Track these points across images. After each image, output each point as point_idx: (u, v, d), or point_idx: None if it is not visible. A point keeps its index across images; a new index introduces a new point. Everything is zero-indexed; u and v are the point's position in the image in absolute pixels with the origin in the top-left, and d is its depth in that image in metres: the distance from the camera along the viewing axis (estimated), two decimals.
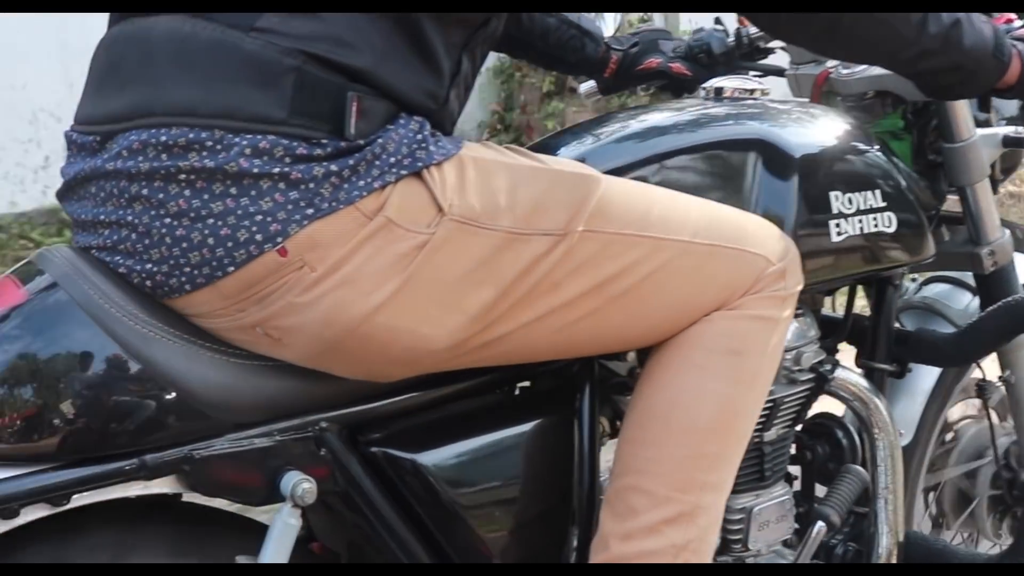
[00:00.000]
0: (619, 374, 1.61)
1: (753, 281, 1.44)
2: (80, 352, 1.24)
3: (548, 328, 1.36)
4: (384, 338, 1.27)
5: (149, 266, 1.24)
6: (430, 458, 1.43)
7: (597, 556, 1.42)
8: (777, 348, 1.48)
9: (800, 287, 1.50)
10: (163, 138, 1.21)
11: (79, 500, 1.27)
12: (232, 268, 1.22)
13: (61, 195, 1.33)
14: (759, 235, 1.48)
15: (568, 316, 1.36)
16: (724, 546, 1.75)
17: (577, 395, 1.56)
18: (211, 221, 1.20)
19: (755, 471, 1.75)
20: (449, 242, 1.27)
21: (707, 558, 1.45)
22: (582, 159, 1.54)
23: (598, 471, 1.54)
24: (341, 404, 1.37)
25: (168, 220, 1.21)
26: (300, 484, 1.31)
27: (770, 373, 1.48)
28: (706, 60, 2.10)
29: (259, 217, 1.20)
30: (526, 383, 1.59)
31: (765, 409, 1.72)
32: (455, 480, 1.44)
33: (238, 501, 1.34)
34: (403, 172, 1.25)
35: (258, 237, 1.21)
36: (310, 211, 1.21)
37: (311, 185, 1.21)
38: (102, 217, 1.26)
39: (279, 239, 1.21)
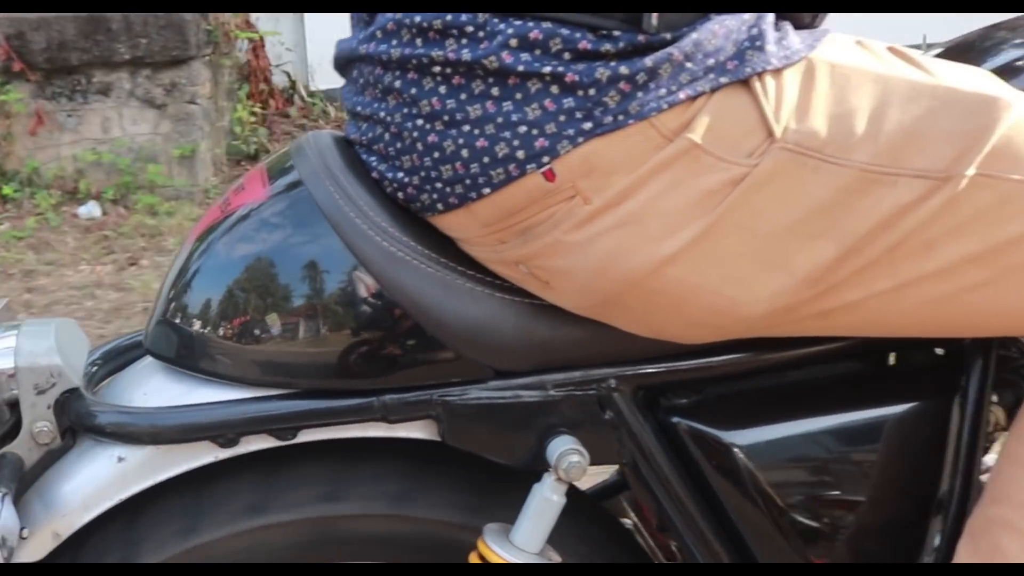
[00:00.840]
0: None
1: None
2: (316, 265, 1.05)
3: (913, 300, 1.02)
4: (677, 296, 0.98)
5: (401, 175, 1.01)
6: (759, 441, 1.13)
7: None
8: None
9: None
10: (417, 19, 0.96)
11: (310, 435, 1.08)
12: (488, 190, 0.97)
13: (338, 70, 1.12)
14: None
15: (943, 287, 1.01)
16: None
17: (964, 376, 1.20)
18: (466, 128, 0.95)
19: None
20: (777, 178, 0.95)
21: None
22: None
23: (976, 478, 1.19)
24: (636, 360, 1.09)
25: (420, 121, 0.98)
26: (567, 456, 1.06)
27: None
28: None
29: (522, 128, 0.94)
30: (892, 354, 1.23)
31: None
32: (787, 474, 1.14)
33: (497, 460, 1.11)
34: (723, 80, 0.94)
35: (519, 154, 0.94)
36: (588, 125, 0.93)
37: (592, 91, 0.93)
38: (359, 108, 1.04)
39: (545, 159, 0.94)
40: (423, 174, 0.99)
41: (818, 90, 0.97)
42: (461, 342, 1.04)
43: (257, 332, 1.05)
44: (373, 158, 1.04)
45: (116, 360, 1.18)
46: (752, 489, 1.13)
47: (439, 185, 0.99)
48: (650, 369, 1.10)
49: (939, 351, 1.23)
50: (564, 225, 0.97)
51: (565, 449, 1.06)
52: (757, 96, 0.95)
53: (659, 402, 1.12)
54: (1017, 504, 1.06)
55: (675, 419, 1.12)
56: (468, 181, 0.97)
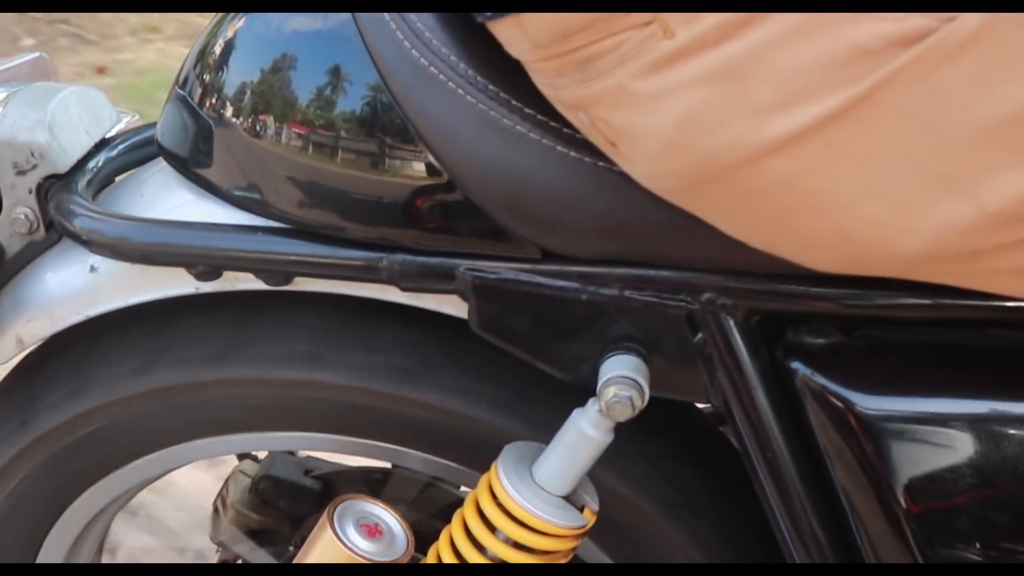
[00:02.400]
0: None
1: None
2: (338, 71, 0.79)
3: None
4: (788, 203, 0.66)
5: None
6: (905, 415, 0.78)
7: None
8: None
9: None
10: None
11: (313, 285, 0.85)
12: None
13: None
14: None
15: None
16: None
17: None
18: None
19: None
20: (983, 45, 0.59)
21: None
22: None
23: None
24: (746, 274, 0.78)
25: None
26: (620, 387, 0.77)
27: None
28: None
29: None
30: None
31: None
32: (932, 464, 0.79)
33: (538, 365, 0.84)
34: None
35: None
36: None
37: None
38: None
39: None
40: None
41: None
42: (499, 203, 0.76)
43: (260, 146, 0.81)
44: None
45: (137, 152, 0.97)
46: (881, 473, 0.81)
47: None
48: (773, 288, 0.79)
49: None
50: (633, 64, 0.65)
51: (616, 375, 0.77)
52: None
53: (779, 337, 0.81)
54: None
55: (796, 364, 0.80)
56: None
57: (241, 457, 1.16)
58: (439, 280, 0.80)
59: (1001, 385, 0.79)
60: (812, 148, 0.63)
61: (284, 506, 1.10)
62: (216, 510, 1.14)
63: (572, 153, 0.74)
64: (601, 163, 0.74)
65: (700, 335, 0.80)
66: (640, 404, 0.77)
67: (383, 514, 0.89)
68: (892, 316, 0.80)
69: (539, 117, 0.74)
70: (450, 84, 0.74)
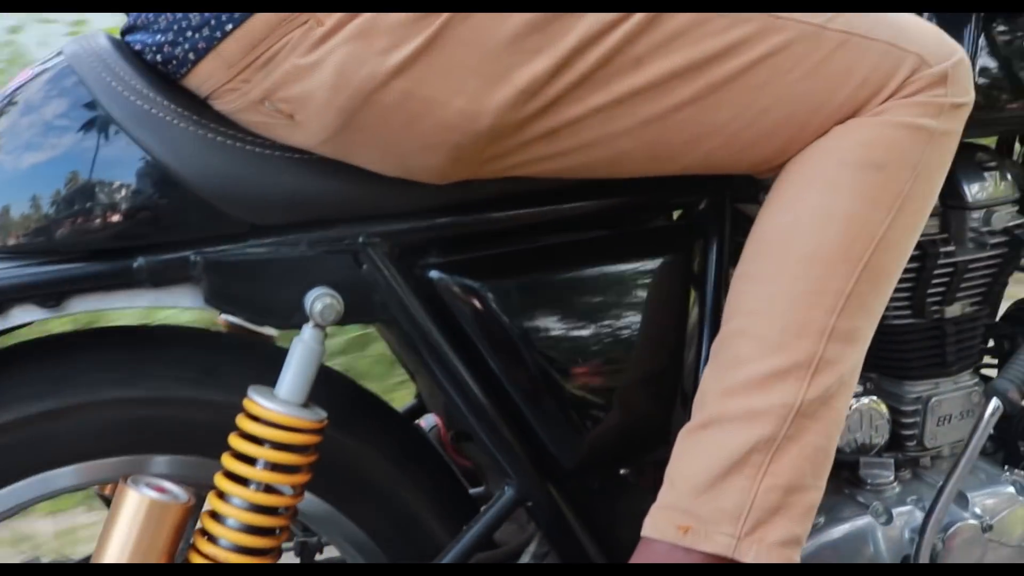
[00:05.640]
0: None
1: (901, 81, 1.14)
2: (74, 130, 1.09)
3: (629, 120, 1.10)
4: (410, 111, 1.05)
5: (158, 36, 1.08)
6: (514, 292, 1.21)
7: (695, 417, 1.15)
8: (933, 166, 1.16)
9: (969, 100, 1.18)
10: None
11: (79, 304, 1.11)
12: (231, 26, 1.04)
13: None
14: (914, 31, 1.17)
15: (654, 106, 1.10)
16: (895, 442, 1.46)
17: (700, 239, 1.30)
18: None
19: (935, 354, 1.45)
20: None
21: (833, 433, 1.14)
22: None
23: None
24: (388, 217, 1.16)
25: None
26: (321, 298, 1.11)
27: (924, 198, 1.17)
28: None
29: None
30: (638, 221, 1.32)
31: (944, 276, 1.41)
32: (544, 324, 1.22)
33: (260, 322, 1.16)
34: None
35: None
36: None
37: None
38: None
39: None
40: (176, 27, 1.06)
41: None
42: (215, 196, 1.09)
43: (16, 194, 1.08)
44: (136, 35, 1.11)
45: None
46: (511, 340, 1.20)
47: (190, 34, 1.05)
48: (403, 226, 1.17)
49: (674, 220, 1.34)
50: (300, 48, 1.03)
51: (318, 293, 1.11)
52: None
53: (417, 260, 1.18)
54: (744, 312, 1.14)
55: (433, 274, 1.18)
56: (214, 21, 1.04)
57: None
58: (179, 269, 1.10)
59: (573, 264, 1.24)
60: (416, 68, 1.03)
61: None
62: None
63: (257, 149, 1.10)
64: (280, 152, 1.11)
65: (364, 268, 1.15)
66: (340, 309, 1.11)
67: (163, 482, 1.14)
68: (483, 229, 1.20)
69: (230, 131, 1.10)
70: (168, 119, 1.08)
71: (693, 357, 1.29)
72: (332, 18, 1.02)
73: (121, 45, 1.13)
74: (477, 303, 1.19)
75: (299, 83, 1.05)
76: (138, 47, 1.11)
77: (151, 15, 1.09)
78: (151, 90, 1.08)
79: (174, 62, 1.08)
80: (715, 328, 1.21)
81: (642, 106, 1.10)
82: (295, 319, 1.13)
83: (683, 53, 1.09)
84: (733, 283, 1.19)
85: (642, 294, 1.26)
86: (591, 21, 1.05)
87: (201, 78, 1.08)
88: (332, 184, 1.12)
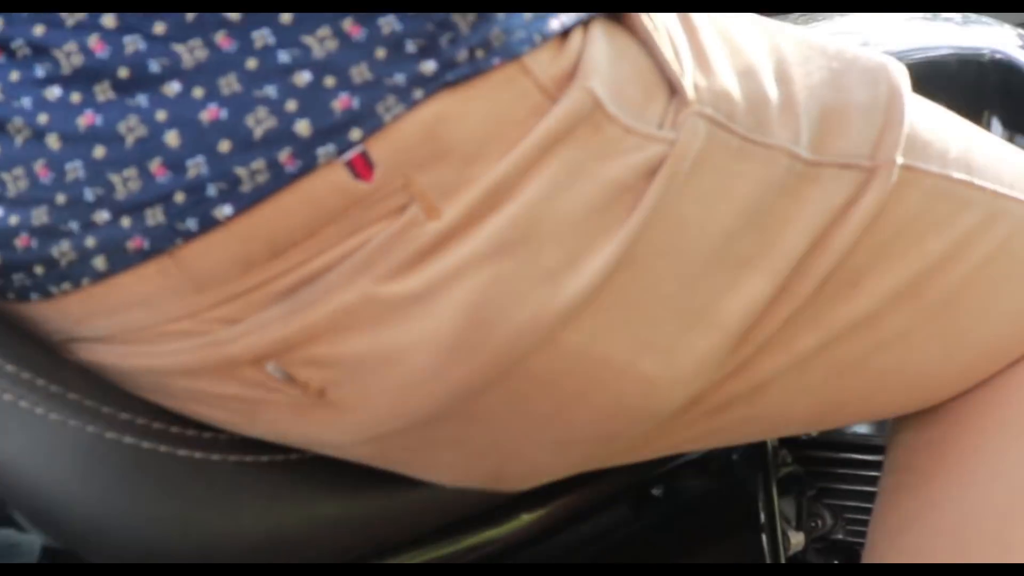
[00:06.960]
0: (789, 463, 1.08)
1: None
2: None
3: (823, 369, 0.69)
4: (586, 378, 0.60)
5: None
6: None
7: None
8: None
9: None
10: None
11: None
12: (230, 209, 0.54)
13: None
14: None
15: (862, 344, 0.69)
16: None
17: (739, 502, 1.03)
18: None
19: None
20: (705, 164, 0.60)
21: None
22: None
23: None
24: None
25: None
26: None
27: None
28: None
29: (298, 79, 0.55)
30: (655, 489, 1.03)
31: None
32: None
33: None
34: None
35: (300, 127, 0.54)
36: (431, 66, 0.55)
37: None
38: None
39: (355, 133, 0.54)
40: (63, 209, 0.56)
41: (705, 35, 0.63)
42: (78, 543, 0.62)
43: None
44: None
45: None
46: None
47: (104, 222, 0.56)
48: None
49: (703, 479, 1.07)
50: (384, 265, 0.55)
51: None
52: (645, 32, 0.60)
53: None
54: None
55: None
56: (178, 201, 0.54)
57: None
58: None
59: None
60: (595, 312, 0.58)
61: None
62: None
63: (189, 454, 0.62)
64: (232, 459, 0.63)
65: None
66: None
67: None
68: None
69: (124, 416, 0.61)
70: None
71: None
72: (457, 201, 0.55)
73: None
74: None
75: (371, 333, 0.56)
76: None
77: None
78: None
79: (30, 282, 0.58)
80: None
81: (846, 350, 0.69)
82: None
83: (906, 262, 0.68)
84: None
85: None
86: (816, 211, 0.63)
87: (131, 296, 0.57)
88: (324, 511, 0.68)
